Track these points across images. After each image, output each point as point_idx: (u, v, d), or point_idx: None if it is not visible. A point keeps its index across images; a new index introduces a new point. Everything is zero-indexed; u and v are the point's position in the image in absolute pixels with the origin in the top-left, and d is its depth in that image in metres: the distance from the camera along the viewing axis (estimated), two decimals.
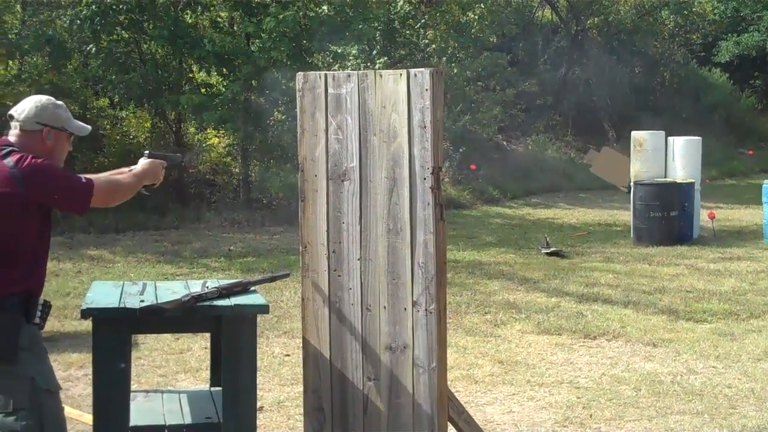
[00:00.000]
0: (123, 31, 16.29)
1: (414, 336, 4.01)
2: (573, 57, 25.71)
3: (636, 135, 14.08)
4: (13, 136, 3.76)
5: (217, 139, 17.72)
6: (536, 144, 22.91)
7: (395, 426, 4.06)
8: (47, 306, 3.73)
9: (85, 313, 3.87)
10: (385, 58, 17.45)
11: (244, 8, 15.91)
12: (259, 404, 4.58)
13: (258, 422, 4.26)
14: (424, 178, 3.95)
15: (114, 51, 16.13)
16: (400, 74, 3.99)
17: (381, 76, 4.05)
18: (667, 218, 13.20)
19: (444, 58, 18.87)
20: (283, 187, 15.46)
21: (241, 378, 3.98)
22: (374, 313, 4.09)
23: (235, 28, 16.50)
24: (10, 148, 3.66)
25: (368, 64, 16.61)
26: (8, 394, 3.53)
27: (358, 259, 4.11)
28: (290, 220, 14.41)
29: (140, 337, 7.43)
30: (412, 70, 3.97)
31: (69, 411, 5.13)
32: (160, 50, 16.55)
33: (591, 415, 5.97)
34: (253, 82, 15.77)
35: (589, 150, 15.47)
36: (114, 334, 3.89)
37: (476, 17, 20.29)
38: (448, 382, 4.20)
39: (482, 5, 19.59)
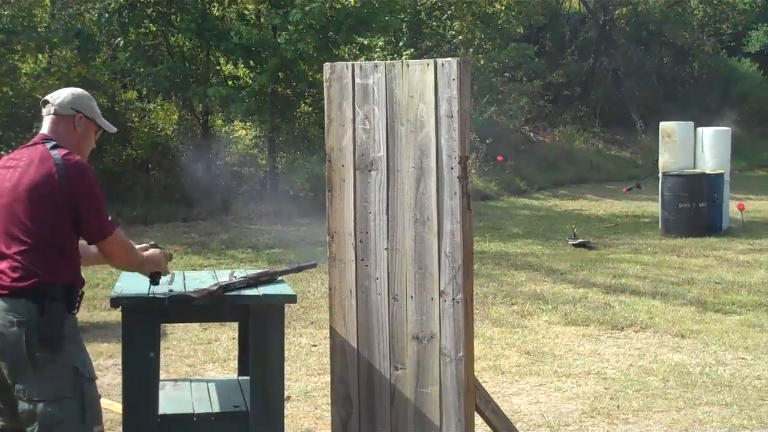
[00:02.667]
0: (151, 24, 16.40)
1: (441, 326, 4.00)
2: (601, 48, 25.55)
3: (664, 126, 13.99)
4: (46, 122, 3.79)
5: (244, 131, 17.80)
6: (563, 135, 22.81)
7: (422, 415, 4.07)
8: (82, 295, 3.78)
9: (115, 302, 3.90)
10: (412, 49, 17.48)
11: (270, 0, 15.96)
12: (286, 394, 4.60)
13: (285, 411, 4.28)
14: (451, 168, 3.94)
15: (142, 44, 16.25)
16: (428, 64, 3.99)
17: (408, 66, 4.04)
18: (696, 209, 13.12)
19: (471, 50, 18.86)
20: (310, 179, 15.52)
21: (269, 367, 4.00)
22: (401, 303, 4.09)
23: (261, 20, 16.55)
24: (54, 142, 3.70)
25: (395, 55, 16.62)
26: (52, 382, 3.55)
27: (385, 249, 4.11)
28: (316, 211, 14.41)
29: (168, 328, 7.49)
30: (439, 60, 3.97)
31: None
32: (187, 43, 16.65)
33: (618, 406, 5.95)
34: (279, 74, 15.82)
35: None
36: (143, 323, 3.92)
37: (503, 8, 20.25)
38: (475, 373, 4.19)
39: None
